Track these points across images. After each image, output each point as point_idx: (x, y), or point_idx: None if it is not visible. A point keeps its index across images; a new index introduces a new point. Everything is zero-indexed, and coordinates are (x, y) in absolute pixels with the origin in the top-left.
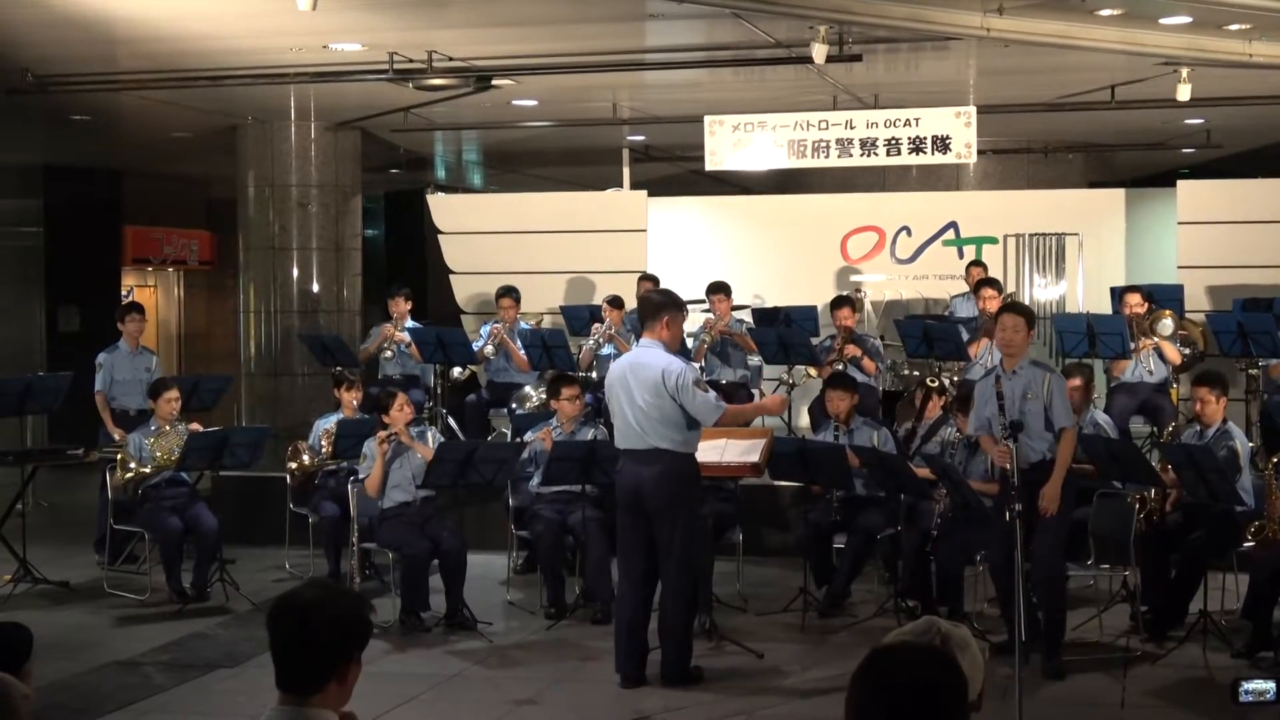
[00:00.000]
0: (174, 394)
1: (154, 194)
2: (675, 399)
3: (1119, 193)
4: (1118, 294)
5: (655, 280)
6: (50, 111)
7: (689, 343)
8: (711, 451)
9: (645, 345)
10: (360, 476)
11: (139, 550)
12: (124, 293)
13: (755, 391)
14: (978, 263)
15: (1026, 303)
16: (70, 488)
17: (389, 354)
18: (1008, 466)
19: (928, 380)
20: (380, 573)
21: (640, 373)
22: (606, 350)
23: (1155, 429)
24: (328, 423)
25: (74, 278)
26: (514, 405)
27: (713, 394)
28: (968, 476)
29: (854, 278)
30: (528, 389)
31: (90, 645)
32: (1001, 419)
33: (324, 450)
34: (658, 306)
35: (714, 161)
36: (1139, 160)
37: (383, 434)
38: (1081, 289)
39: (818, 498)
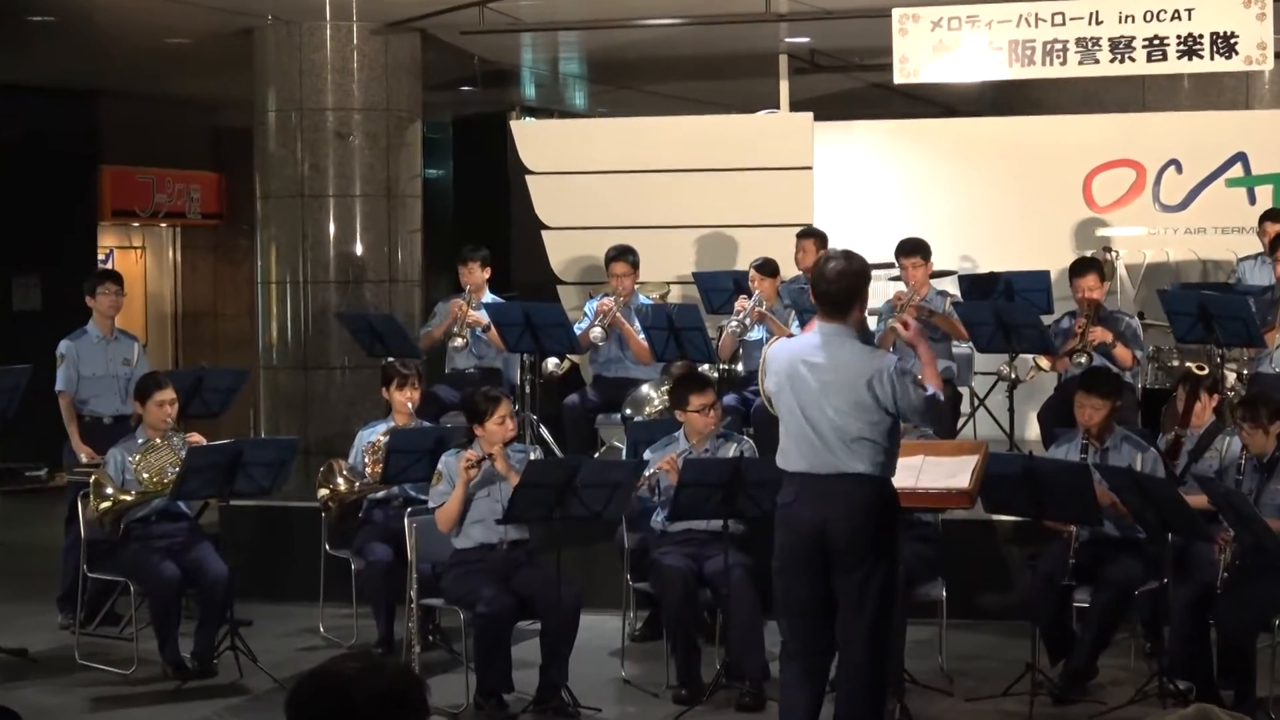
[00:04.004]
0: (168, 395)
1: (141, 123)
2: (892, 409)
3: None
4: None
5: (823, 238)
6: None
7: (870, 324)
8: (904, 474)
9: (832, 332)
10: (430, 505)
11: (121, 607)
12: (101, 257)
13: (964, 390)
14: (1276, 212)
15: None
16: (29, 521)
17: (460, 340)
18: None
19: (1193, 367)
20: (448, 639)
21: (830, 373)
22: (755, 334)
23: None
24: (374, 434)
25: (33, 238)
26: (629, 410)
27: (926, 389)
28: (1262, 511)
29: (1102, 232)
30: (647, 388)
31: None
32: None
33: (369, 472)
34: (855, 279)
35: (906, 72)
36: None
37: (473, 454)
38: None
39: (1052, 539)
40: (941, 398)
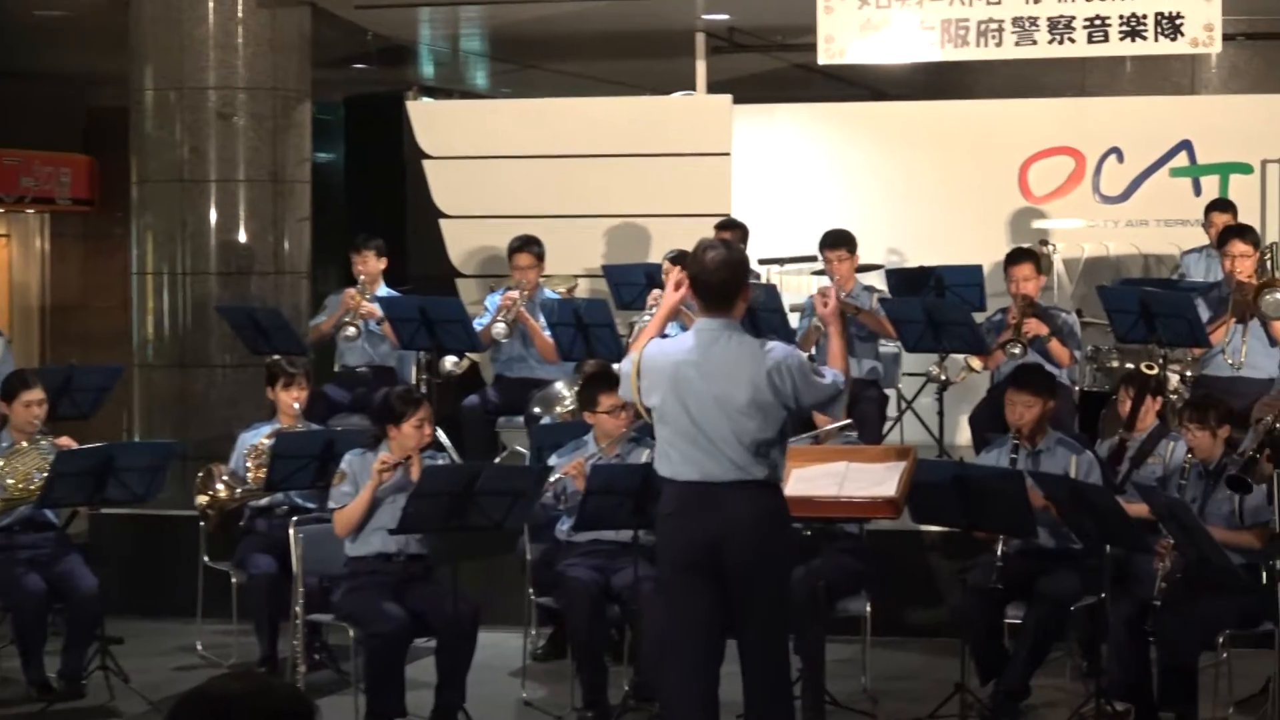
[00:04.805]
0: (35, 395)
1: (6, 102)
2: (793, 403)
3: None
4: None
5: (743, 229)
6: None
7: (793, 321)
8: (827, 482)
9: (716, 327)
10: (330, 505)
11: None
12: None
13: (891, 392)
14: (1223, 203)
15: None
16: None
17: (352, 330)
18: None
19: (1141, 366)
20: (336, 658)
21: (721, 372)
22: (672, 331)
23: None
24: (258, 436)
25: None
26: (537, 409)
27: (826, 374)
28: (1207, 521)
29: (1039, 224)
30: (560, 385)
31: None
32: None
33: (252, 477)
34: (737, 270)
35: (831, 52)
36: None
37: (389, 458)
38: None
39: (983, 551)
40: (842, 385)
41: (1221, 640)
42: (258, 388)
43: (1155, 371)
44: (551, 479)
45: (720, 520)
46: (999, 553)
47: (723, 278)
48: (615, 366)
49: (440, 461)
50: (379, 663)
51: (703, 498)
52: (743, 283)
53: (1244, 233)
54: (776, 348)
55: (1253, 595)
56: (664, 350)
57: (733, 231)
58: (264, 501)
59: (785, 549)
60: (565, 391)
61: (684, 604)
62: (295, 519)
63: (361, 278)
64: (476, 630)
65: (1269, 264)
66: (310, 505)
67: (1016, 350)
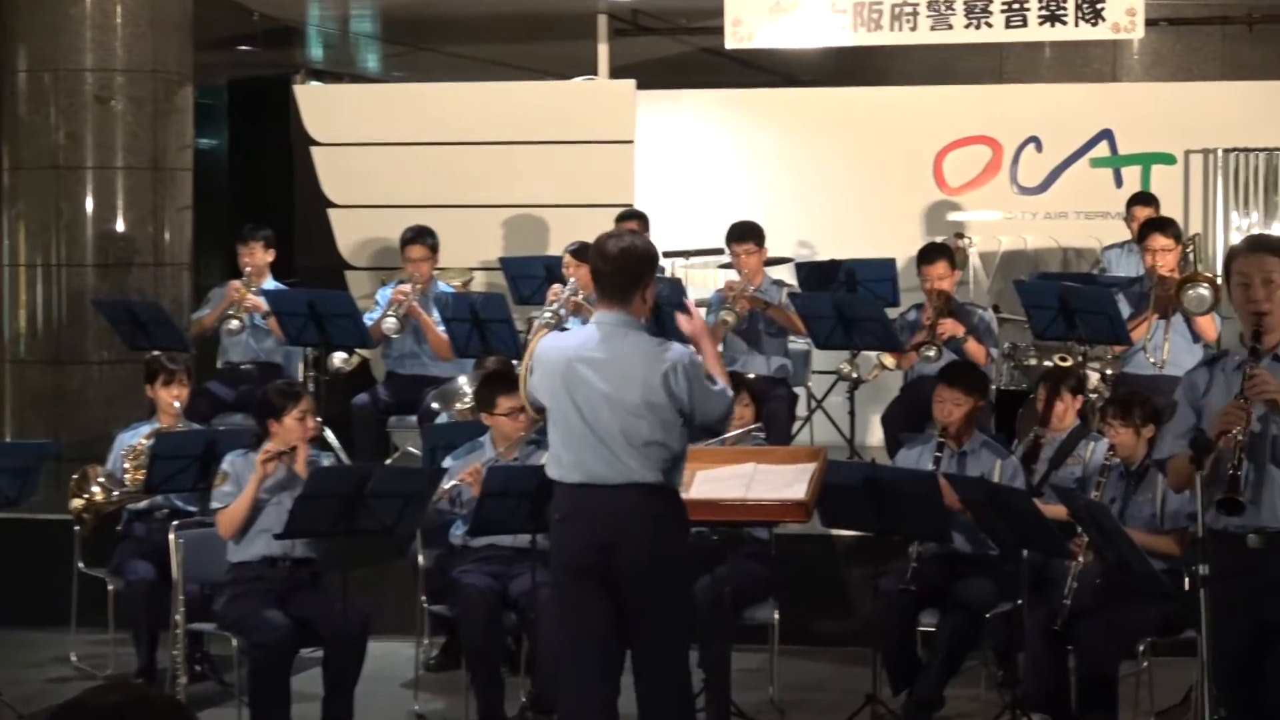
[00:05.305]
0: None
1: None
2: (684, 408)
3: None
4: None
5: (644, 220)
6: None
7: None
8: (734, 484)
9: (611, 321)
10: (212, 505)
11: None
12: None
13: (801, 390)
14: (1144, 196)
15: (1219, 253)
16: None
17: (236, 323)
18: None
19: (1057, 359)
20: (218, 669)
21: (616, 369)
22: (572, 325)
23: None
24: (136, 436)
25: None
26: (435, 405)
27: (719, 383)
28: (1127, 524)
29: (954, 216)
30: (461, 381)
31: None
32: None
33: (129, 479)
34: (644, 264)
35: (739, 36)
36: None
37: (272, 447)
38: None
39: (896, 557)
40: (731, 395)
41: (1142, 648)
42: (136, 385)
43: (1070, 364)
44: (446, 485)
45: (610, 525)
46: (914, 555)
47: (618, 266)
48: (517, 364)
49: (326, 462)
50: (263, 674)
51: (593, 501)
52: (643, 276)
53: (1165, 226)
54: (674, 348)
55: (1174, 601)
56: (558, 344)
57: (635, 222)
58: (143, 504)
59: (679, 555)
60: (466, 388)
61: (578, 612)
62: (175, 523)
63: (247, 270)
64: (366, 639)
65: (1191, 258)
66: (191, 508)
67: (931, 354)
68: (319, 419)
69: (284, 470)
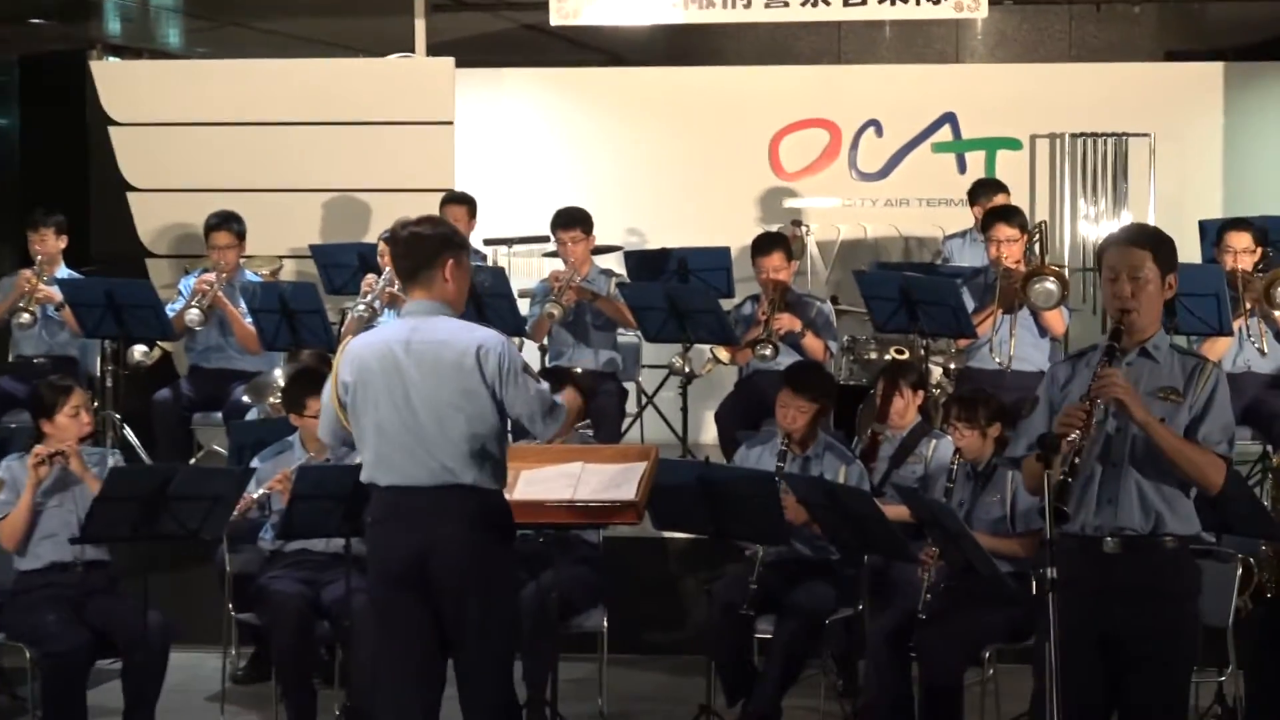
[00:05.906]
0: None
1: None
2: (495, 395)
3: (1214, 69)
4: (1213, 232)
5: (470, 204)
6: None
7: (524, 308)
8: (560, 484)
9: (420, 310)
10: None
11: None
12: None
13: (630, 385)
14: (989, 183)
15: (1067, 242)
16: None
17: (27, 316)
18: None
19: (894, 351)
20: (10, 682)
21: (426, 354)
22: (387, 318)
23: (1270, 447)
24: None
25: None
26: (246, 399)
27: (545, 384)
28: (974, 526)
29: (791, 203)
30: (276, 373)
31: None
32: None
33: None
34: (434, 244)
35: (563, 12)
36: (1246, 16)
37: (42, 449)
38: (1153, 221)
39: (732, 561)
40: (559, 401)
41: (988, 656)
42: None
43: (909, 358)
44: (254, 494)
45: (425, 530)
46: (755, 570)
47: (411, 248)
48: (332, 355)
49: (112, 461)
50: (57, 686)
51: (408, 504)
52: (439, 255)
53: (1009, 215)
54: (489, 332)
55: (1021, 607)
56: (367, 341)
57: (460, 206)
58: None
59: (502, 560)
60: (281, 381)
61: (396, 621)
62: None
63: (38, 258)
64: (168, 649)
65: (1038, 248)
66: None
67: (767, 352)
68: (118, 415)
69: (60, 470)
